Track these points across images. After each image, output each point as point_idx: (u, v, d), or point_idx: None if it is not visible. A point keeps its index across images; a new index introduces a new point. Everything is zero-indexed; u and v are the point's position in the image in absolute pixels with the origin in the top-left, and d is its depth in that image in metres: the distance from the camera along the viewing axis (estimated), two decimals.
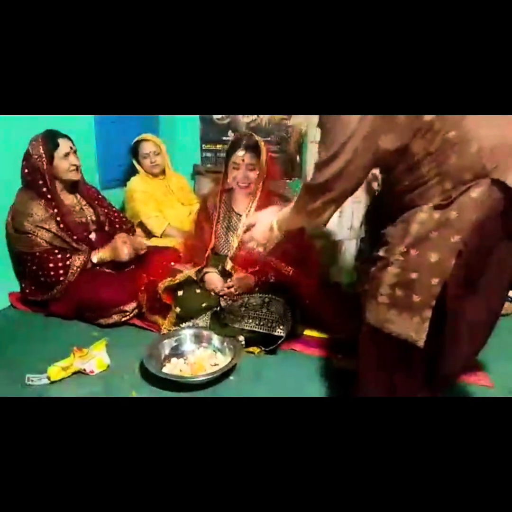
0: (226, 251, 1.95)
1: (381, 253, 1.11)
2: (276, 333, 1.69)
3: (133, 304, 1.93)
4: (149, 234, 2.56)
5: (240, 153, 1.85)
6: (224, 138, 3.35)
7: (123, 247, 2.04)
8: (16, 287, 2.11)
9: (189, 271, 1.89)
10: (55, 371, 1.51)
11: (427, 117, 1.00)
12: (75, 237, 2.01)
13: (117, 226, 2.29)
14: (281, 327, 1.69)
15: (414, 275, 1.03)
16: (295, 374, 1.59)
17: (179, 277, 1.86)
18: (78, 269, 1.95)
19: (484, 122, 0.98)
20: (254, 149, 1.87)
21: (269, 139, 3.11)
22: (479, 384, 1.52)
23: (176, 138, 3.32)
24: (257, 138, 1.91)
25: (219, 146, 3.39)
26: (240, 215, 1.95)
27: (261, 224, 1.35)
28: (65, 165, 1.98)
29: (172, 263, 1.98)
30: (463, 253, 1.00)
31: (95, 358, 1.58)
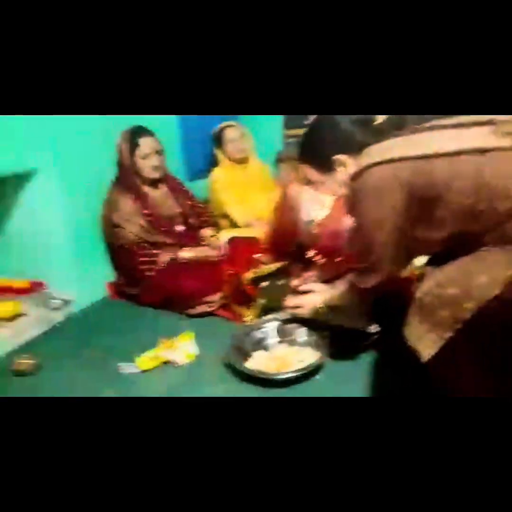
0: (308, 241, 1.87)
1: None
2: (368, 330, 1.58)
3: (218, 295, 1.94)
4: (233, 224, 2.56)
5: None
6: (307, 122, 3.23)
7: (212, 253, 2.12)
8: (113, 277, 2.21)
9: (274, 265, 1.86)
10: (143, 361, 1.57)
11: (470, 201, 0.97)
12: (162, 230, 2.06)
13: (202, 219, 2.31)
14: (374, 323, 1.58)
15: (452, 290, 0.97)
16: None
17: (265, 270, 1.83)
18: (164, 266, 1.99)
19: None
20: None
21: None
22: None
23: (258, 124, 3.27)
24: None
25: (302, 132, 3.28)
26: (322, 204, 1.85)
27: (306, 308, 1.58)
28: (145, 165, 2.02)
29: (257, 255, 1.96)
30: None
31: (182, 348, 1.61)
